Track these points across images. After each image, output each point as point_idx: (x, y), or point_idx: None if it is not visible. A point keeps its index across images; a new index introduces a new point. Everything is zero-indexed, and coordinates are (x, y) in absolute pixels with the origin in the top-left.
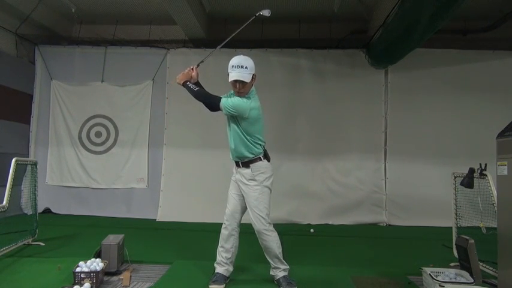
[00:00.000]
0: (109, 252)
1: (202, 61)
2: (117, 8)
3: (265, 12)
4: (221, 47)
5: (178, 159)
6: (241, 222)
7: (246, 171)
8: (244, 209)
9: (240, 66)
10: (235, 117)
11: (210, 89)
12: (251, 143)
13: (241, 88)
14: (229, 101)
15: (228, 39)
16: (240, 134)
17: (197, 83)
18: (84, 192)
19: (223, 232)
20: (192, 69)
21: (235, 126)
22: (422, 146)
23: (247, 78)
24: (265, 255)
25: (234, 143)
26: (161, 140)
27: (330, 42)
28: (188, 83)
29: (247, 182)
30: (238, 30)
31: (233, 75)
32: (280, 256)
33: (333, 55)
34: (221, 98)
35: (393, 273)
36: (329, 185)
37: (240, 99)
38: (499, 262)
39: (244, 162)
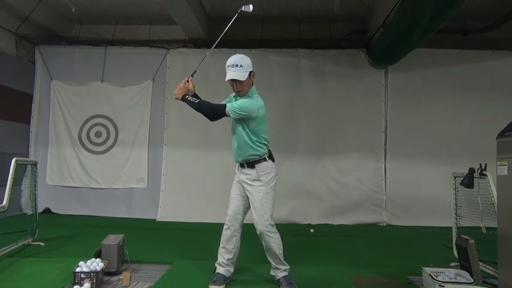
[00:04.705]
0: (109, 252)
1: (195, 71)
2: (117, 8)
3: (247, 8)
4: (214, 48)
5: (178, 159)
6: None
7: (251, 171)
8: (246, 210)
9: (235, 65)
10: (242, 119)
11: (211, 90)
12: (257, 144)
13: (238, 87)
14: (235, 105)
15: (216, 43)
16: (247, 135)
17: (195, 95)
18: (84, 192)
19: (225, 233)
20: (188, 81)
21: (241, 128)
22: (422, 146)
23: (242, 76)
24: (266, 255)
25: (239, 145)
26: (161, 140)
27: (330, 42)
28: (187, 96)
29: (252, 183)
30: (224, 31)
31: (228, 75)
32: (281, 257)
33: (333, 55)
34: (225, 104)
35: (393, 273)
36: (329, 185)
37: (246, 100)
38: (499, 262)
39: (249, 163)
